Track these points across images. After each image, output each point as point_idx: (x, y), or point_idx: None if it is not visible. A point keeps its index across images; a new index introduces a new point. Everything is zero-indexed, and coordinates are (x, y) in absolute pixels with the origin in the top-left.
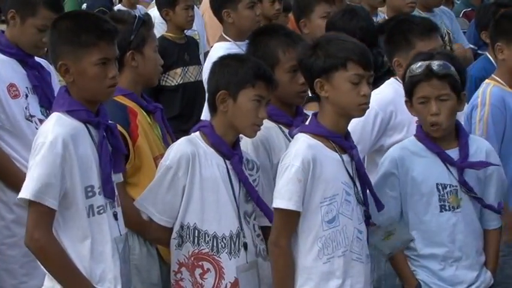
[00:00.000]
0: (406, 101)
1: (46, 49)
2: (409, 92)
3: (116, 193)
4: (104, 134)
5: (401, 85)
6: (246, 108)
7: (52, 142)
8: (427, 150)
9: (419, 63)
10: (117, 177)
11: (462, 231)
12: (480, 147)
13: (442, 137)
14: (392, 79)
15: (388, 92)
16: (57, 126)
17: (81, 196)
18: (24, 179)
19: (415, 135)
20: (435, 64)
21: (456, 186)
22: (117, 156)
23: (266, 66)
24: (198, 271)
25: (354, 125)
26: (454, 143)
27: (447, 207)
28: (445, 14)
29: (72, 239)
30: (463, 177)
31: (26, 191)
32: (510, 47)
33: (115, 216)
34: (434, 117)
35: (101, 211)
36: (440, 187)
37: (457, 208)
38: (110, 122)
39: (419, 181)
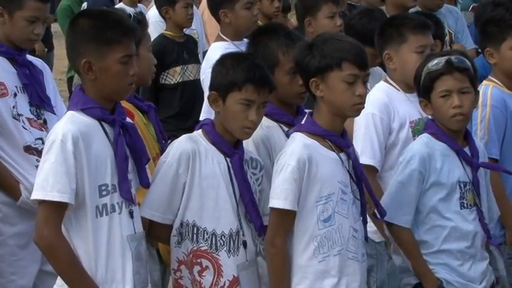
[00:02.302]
0: (421, 101)
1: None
2: (428, 89)
3: (134, 192)
4: (120, 131)
5: (391, 87)
6: (233, 110)
7: (62, 140)
8: (448, 148)
9: (437, 60)
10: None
11: (477, 228)
12: (479, 146)
13: (456, 135)
14: (381, 82)
15: (382, 96)
16: (68, 123)
17: (92, 195)
18: (9, 178)
19: (430, 133)
20: (455, 58)
21: (472, 183)
22: (136, 157)
23: (262, 69)
24: (196, 268)
25: (362, 135)
26: (464, 142)
27: (465, 205)
28: (451, 12)
29: (82, 238)
30: (477, 176)
31: (40, 191)
32: (499, 50)
33: (131, 214)
34: (457, 109)
35: (112, 210)
36: (462, 185)
37: (473, 206)
38: (128, 121)
39: (445, 179)
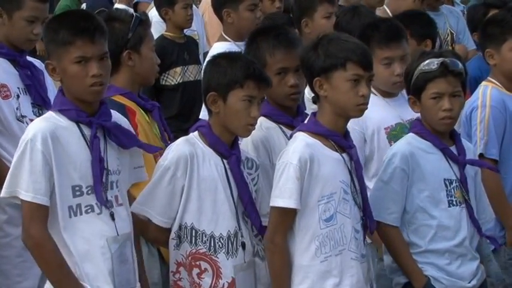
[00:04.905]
0: (409, 98)
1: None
2: (419, 88)
3: (116, 194)
4: (96, 133)
5: None
6: (236, 108)
7: (32, 139)
8: (432, 146)
9: (430, 60)
10: (139, 176)
11: (467, 225)
12: (468, 147)
13: (442, 134)
14: None
15: None
16: (41, 122)
17: (64, 195)
18: None
19: (416, 133)
20: (450, 61)
21: (460, 181)
22: (137, 145)
23: (257, 65)
24: (195, 271)
25: None
26: (450, 142)
27: (454, 202)
28: (452, 13)
29: (57, 236)
30: (464, 174)
31: (12, 189)
32: (499, 52)
33: (112, 216)
34: (447, 112)
35: (89, 210)
36: (447, 182)
37: (463, 203)
38: (112, 122)
39: (428, 177)
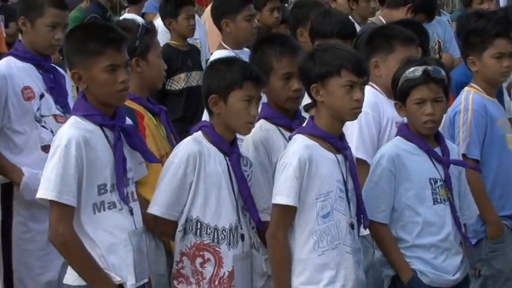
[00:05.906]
0: (396, 103)
1: (61, 57)
2: (404, 94)
3: (132, 190)
4: (119, 136)
5: (376, 91)
6: (236, 108)
7: (67, 145)
8: (417, 148)
9: (414, 68)
10: (142, 172)
11: (451, 222)
12: (452, 148)
13: (427, 137)
14: (367, 87)
15: (371, 97)
16: (72, 129)
17: (91, 194)
18: (15, 173)
19: (402, 136)
20: (432, 69)
21: (444, 180)
22: (141, 151)
23: (253, 67)
24: (198, 260)
25: (357, 132)
26: (435, 143)
27: (439, 200)
28: (440, 23)
29: (81, 231)
30: (448, 173)
31: (46, 191)
32: (480, 59)
33: (131, 211)
34: (430, 116)
35: (111, 207)
36: (432, 181)
37: (447, 201)
38: (127, 124)
39: (414, 176)
